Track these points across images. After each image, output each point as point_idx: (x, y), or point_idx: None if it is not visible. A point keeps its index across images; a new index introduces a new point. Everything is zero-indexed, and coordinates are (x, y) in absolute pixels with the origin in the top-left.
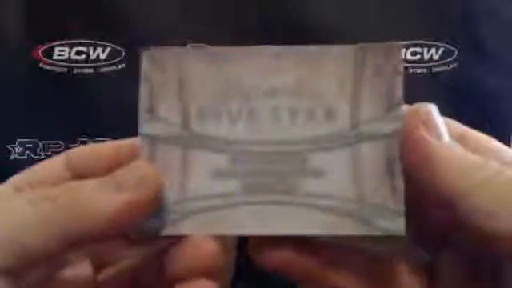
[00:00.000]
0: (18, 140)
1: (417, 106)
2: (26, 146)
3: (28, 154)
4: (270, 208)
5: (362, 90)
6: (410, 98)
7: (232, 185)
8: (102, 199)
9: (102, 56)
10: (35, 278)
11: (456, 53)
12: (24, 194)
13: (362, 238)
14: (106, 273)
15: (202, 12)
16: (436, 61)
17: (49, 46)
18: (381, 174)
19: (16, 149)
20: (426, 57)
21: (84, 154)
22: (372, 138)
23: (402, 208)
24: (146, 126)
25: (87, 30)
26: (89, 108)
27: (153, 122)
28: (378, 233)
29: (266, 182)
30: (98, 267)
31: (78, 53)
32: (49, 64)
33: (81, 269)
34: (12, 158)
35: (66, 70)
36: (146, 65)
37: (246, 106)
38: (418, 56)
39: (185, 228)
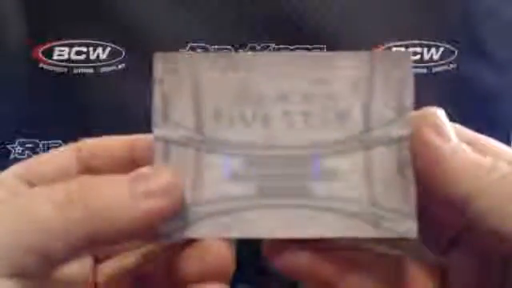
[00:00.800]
0: (18, 140)
1: (424, 110)
2: (26, 145)
3: (28, 154)
4: (285, 211)
5: (374, 95)
6: None
7: (247, 188)
8: (131, 205)
9: (102, 56)
10: (40, 275)
11: (456, 53)
12: (43, 192)
13: (376, 241)
14: (107, 265)
15: (202, 12)
16: (436, 61)
17: (49, 46)
18: (393, 177)
19: (16, 149)
20: (426, 57)
21: (96, 146)
22: (384, 142)
23: (413, 211)
24: (159, 129)
25: (87, 30)
26: (89, 108)
27: (166, 125)
28: (390, 235)
29: (280, 185)
30: (98, 259)
31: (78, 53)
32: (49, 64)
33: (81, 261)
34: (12, 157)
35: (65, 69)
36: (158, 67)
37: (259, 111)
38: (418, 56)
39: (200, 231)
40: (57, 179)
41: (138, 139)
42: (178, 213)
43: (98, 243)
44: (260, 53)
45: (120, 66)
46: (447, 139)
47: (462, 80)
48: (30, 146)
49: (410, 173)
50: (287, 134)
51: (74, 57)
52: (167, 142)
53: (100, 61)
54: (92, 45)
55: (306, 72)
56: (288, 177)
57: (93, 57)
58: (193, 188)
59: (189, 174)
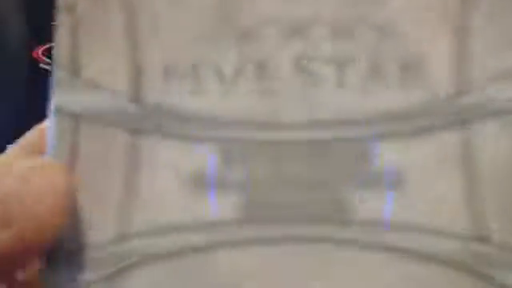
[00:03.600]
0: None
1: None
2: None
3: None
4: (299, 251)
5: (473, 24)
6: None
7: (224, 205)
8: None
9: None
10: None
11: None
12: None
13: None
14: None
15: None
16: None
17: (49, 46)
18: None
19: None
20: None
21: None
22: (495, 114)
23: None
24: (62, 94)
25: None
26: None
27: (76, 86)
28: None
29: (289, 199)
30: None
31: None
32: (49, 64)
33: None
34: None
35: None
36: None
37: (249, 56)
38: None
39: None
40: None
41: None
42: (73, 248)
43: None
44: None
45: None
46: None
47: None
48: None
49: None
50: (304, 100)
51: None
52: (77, 117)
53: None
54: None
55: None
56: (306, 183)
57: None
58: (122, 206)
59: (115, 177)
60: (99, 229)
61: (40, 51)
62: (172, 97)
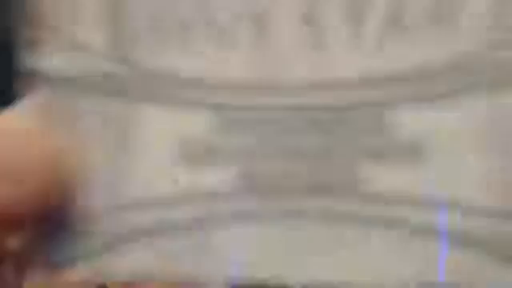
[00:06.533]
0: None
1: None
2: None
3: None
4: (300, 226)
5: None
6: None
7: (222, 176)
8: None
9: None
10: None
11: None
12: None
13: None
14: None
15: None
16: None
17: None
18: None
19: None
20: None
21: None
22: None
23: None
24: (32, 55)
25: None
26: None
27: (38, 40)
28: None
29: (294, 170)
30: None
31: None
32: None
33: None
34: None
35: None
36: None
37: (245, 7)
38: None
39: (117, 266)
40: None
41: None
42: (59, 225)
43: None
44: None
45: None
46: None
47: None
48: None
49: None
50: (311, 60)
51: None
52: (46, 78)
53: None
54: None
55: None
56: (309, 153)
57: None
58: (107, 176)
59: (97, 147)
60: (90, 200)
61: None
62: (162, 57)
